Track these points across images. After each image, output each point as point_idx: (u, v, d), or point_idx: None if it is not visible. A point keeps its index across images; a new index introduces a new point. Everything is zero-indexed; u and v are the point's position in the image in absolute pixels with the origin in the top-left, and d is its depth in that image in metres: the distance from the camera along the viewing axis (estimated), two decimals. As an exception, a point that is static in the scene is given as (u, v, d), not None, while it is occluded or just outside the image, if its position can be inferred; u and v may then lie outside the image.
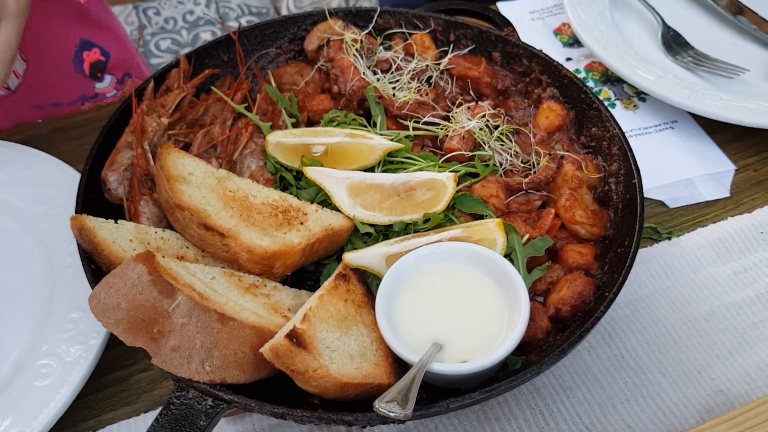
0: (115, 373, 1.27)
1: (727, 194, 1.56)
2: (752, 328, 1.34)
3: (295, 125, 1.45)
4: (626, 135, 1.67)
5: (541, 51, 1.51)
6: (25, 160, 1.50)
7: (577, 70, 1.85)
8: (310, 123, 1.50)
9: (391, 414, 0.90)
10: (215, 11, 4.06)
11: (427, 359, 1.02)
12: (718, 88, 1.72)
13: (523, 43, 1.53)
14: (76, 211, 1.21)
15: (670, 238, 1.47)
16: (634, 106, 1.76)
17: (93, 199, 1.27)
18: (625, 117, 1.74)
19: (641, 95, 1.77)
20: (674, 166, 1.61)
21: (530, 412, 1.24)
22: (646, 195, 1.54)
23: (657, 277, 1.42)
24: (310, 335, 1.00)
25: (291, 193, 1.32)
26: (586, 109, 1.43)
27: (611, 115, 1.37)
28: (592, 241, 1.28)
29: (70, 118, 1.71)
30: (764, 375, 1.27)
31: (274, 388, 1.07)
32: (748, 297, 1.38)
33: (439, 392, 1.12)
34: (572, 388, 1.26)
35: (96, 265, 1.14)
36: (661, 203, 1.54)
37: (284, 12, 4.23)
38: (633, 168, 1.28)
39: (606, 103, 1.77)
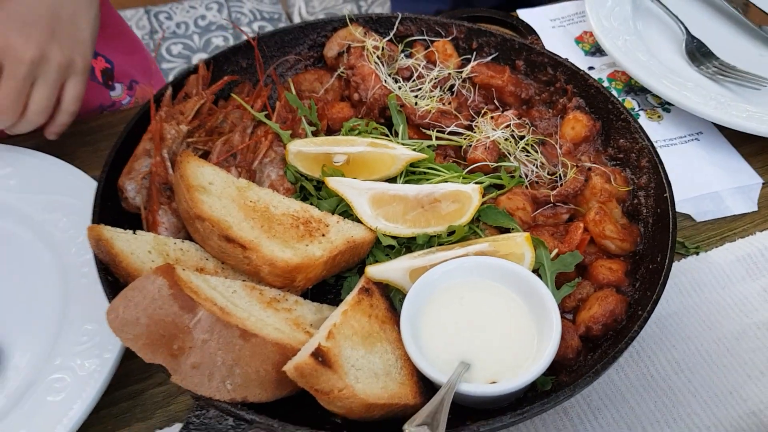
0: (130, 387, 1.24)
1: (755, 208, 1.52)
2: (785, 347, 1.30)
3: (315, 133, 1.42)
4: (652, 146, 1.66)
5: (566, 60, 1.48)
6: (38, 166, 1.47)
7: (600, 80, 1.82)
8: (330, 131, 1.47)
9: (422, 438, 0.86)
10: (227, 16, 4.03)
11: (455, 380, 0.98)
12: (744, 99, 1.68)
13: (548, 51, 1.50)
14: (93, 221, 1.18)
15: (698, 254, 1.43)
16: (659, 116, 1.73)
17: (109, 208, 1.24)
18: (649, 128, 1.70)
19: (665, 106, 1.74)
20: (700, 179, 1.57)
21: (557, 433, 1.20)
22: (673, 208, 1.51)
23: (685, 293, 1.38)
24: (335, 353, 0.96)
25: (311, 204, 1.28)
26: (613, 119, 1.39)
27: (640, 126, 1.34)
28: (622, 257, 1.24)
29: (85, 124, 1.68)
30: (798, 397, 1.23)
31: (294, 406, 1.03)
32: (780, 315, 1.34)
33: (465, 411, 1.09)
34: (600, 408, 1.23)
35: (113, 276, 1.11)
36: (687, 217, 1.51)
37: (296, 17, 4.21)
38: (664, 181, 1.25)
39: (631, 112, 1.73)
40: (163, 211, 1.19)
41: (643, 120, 1.72)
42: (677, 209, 1.50)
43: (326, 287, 1.26)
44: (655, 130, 1.70)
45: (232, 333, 0.96)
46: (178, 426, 1.18)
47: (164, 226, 1.18)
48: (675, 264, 1.42)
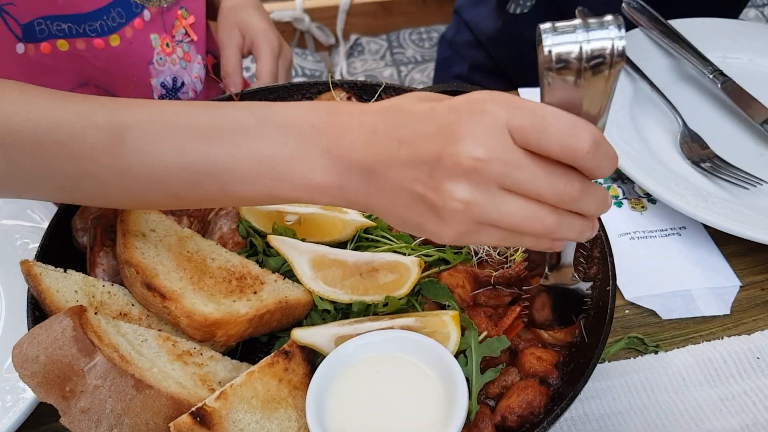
0: (54, 424, 1.25)
1: (727, 311, 1.46)
2: (731, 463, 1.22)
3: (279, 191, 1.44)
4: (629, 236, 1.62)
5: (538, 142, 1.47)
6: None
7: (589, 164, 1.79)
8: (297, 191, 1.48)
9: None
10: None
11: (344, 456, 0.96)
12: (734, 199, 1.63)
13: (521, 132, 1.49)
14: (37, 255, 1.22)
15: (656, 352, 1.37)
16: (642, 207, 1.69)
17: (60, 245, 1.27)
18: (630, 218, 1.66)
19: (651, 197, 1.70)
20: (674, 276, 1.52)
21: None
22: (638, 303, 1.47)
23: (635, 392, 1.31)
24: (222, 415, 0.95)
25: (258, 261, 1.29)
26: (574, 206, 1.37)
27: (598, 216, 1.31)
28: (558, 347, 1.20)
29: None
30: None
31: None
32: (732, 427, 1.26)
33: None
34: (521, 504, 1.17)
35: (41, 312, 1.14)
36: (653, 313, 1.45)
37: (337, 77, 4.32)
38: (610, 274, 1.21)
39: (614, 201, 1.70)
40: (104, 253, 1.22)
41: (626, 209, 1.69)
42: (644, 305, 1.47)
43: (258, 345, 1.25)
44: (637, 220, 1.66)
45: (126, 382, 0.96)
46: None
47: (102, 268, 1.21)
48: (630, 361, 1.37)
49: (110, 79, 1.54)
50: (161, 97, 1.65)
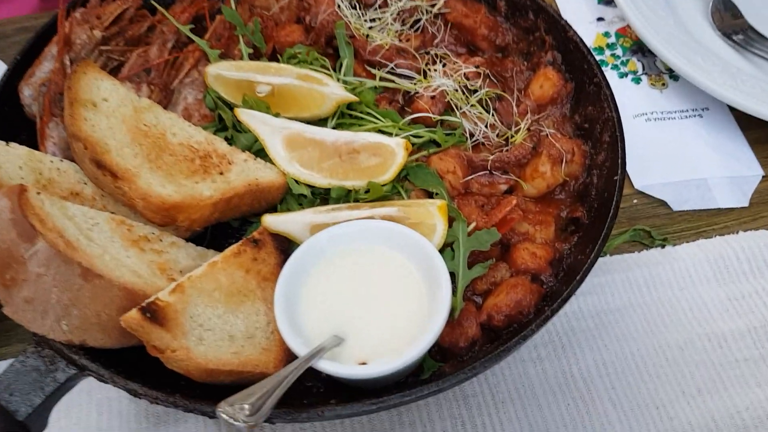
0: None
1: (746, 204, 1.33)
2: (732, 366, 1.14)
3: (255, 57, 1.28)
4: (646, 117, 1.47)
5: (550, 6, 1.29)
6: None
7: (607, 33, 1.61)
8: (275, 56, 1.33)
9: (233, 422, 0.76)
10: None
11: (311, 355, 0.87)
12: (766, 78, 1.46)
13: (532, -7, 1.31)
14: (-21, 125, 1.09)
15: (663, 246, 1.27)
16: (663, 84, 1.52)
17: (7, 114, 1.14)
18: (648, 96, 1.50)
19: (674, 73, 1.53)
20: (690, 163, 1.38)
21: (451, 422, 1.09)
22: (648, 192, 1.35)
23: (636, 288, 1.22)
24: (177, 309, 0.86)
25: (227, 137, 1.16)
26: (586, 82, 1.21)
27: (610, 94, 1.16)
28: (549, 242, 1.09)
29: (38, 19, 1.58)
30: (732, 424, 1.09)
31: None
32: (738, 329, 1.18)
33: (342, 387, 0.99)
34: (505, 401, 1.11)
35: (-17, 190, 1.02)
36: (663, 204, 1.33)
37: None
38: (619, 162, 1.08)
39: (631, 76, 1.54)
40: (55, 124, 1.09)
41: (645, 86, 1.52)
42: (655, 194, 1.35)
43: (229, 231, 1.15)
44: (655, 99, 1.50)
45: (72, 270, 0.86)
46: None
47: (53, 141, 1.09)
48: (633, 255, 1.27)
49: None
50: None
